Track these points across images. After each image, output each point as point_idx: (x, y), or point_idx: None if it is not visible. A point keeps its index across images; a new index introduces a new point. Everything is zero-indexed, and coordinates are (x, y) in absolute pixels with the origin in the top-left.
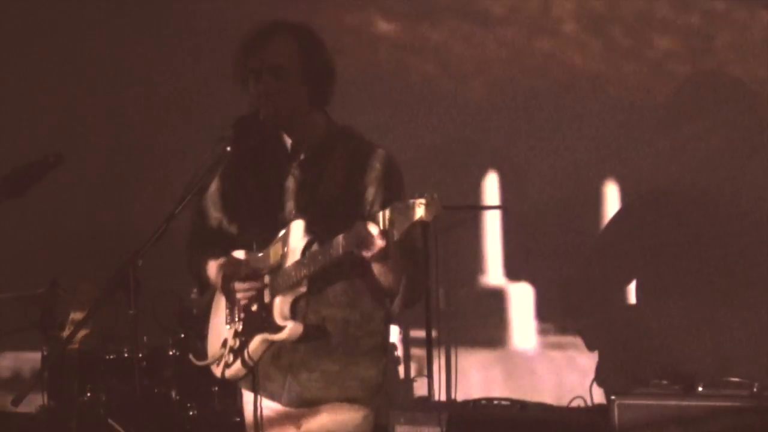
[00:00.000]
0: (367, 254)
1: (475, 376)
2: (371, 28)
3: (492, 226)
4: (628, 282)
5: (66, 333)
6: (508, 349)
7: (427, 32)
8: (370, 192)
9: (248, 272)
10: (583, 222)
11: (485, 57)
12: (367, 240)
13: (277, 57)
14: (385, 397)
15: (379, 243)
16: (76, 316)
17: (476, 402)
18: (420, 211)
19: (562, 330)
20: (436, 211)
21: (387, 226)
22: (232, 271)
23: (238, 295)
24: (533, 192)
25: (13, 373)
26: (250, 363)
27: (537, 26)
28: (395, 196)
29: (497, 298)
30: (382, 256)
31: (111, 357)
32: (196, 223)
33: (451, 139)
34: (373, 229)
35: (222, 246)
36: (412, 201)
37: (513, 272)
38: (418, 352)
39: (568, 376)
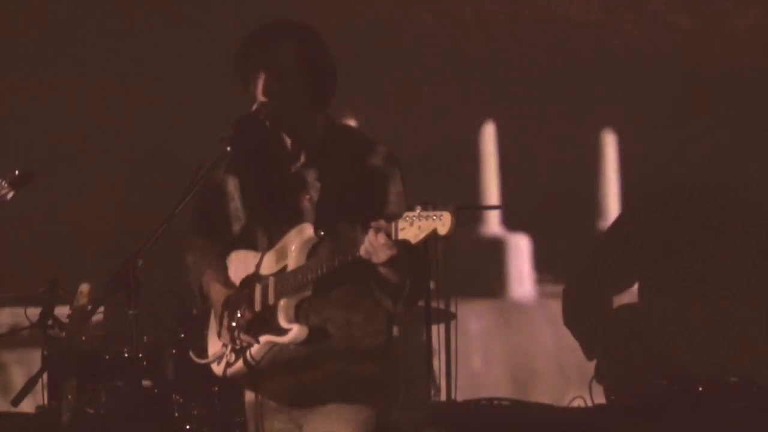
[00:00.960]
0: (377, 261)
1: (474, 327)
2: None
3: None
4: (629, 282)
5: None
6: (506, 299)
7: None
8: (373, 191)
9: (244, 312)
10: (581, 180)
11: (483, 8)
12: (379, 250)
13: (279, 59)
14: (388, 398)
15: (391, 252)
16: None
17: (476, 402)
18: (434, 224)
19: (560, 280)
20: (452, 224)
21: (400, 236)
22: (232, 308)
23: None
24: (530, 146)
25: (12, 330)
26: (252, 362)
27: None
28: (398, 194)
29: (495, 248)
30: (392, 262)
31: (111, 357)
32: (200, 210)
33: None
34: (386, 239)
35: (224, 243)
36: (426, 213)
37: (511, 223)
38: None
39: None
